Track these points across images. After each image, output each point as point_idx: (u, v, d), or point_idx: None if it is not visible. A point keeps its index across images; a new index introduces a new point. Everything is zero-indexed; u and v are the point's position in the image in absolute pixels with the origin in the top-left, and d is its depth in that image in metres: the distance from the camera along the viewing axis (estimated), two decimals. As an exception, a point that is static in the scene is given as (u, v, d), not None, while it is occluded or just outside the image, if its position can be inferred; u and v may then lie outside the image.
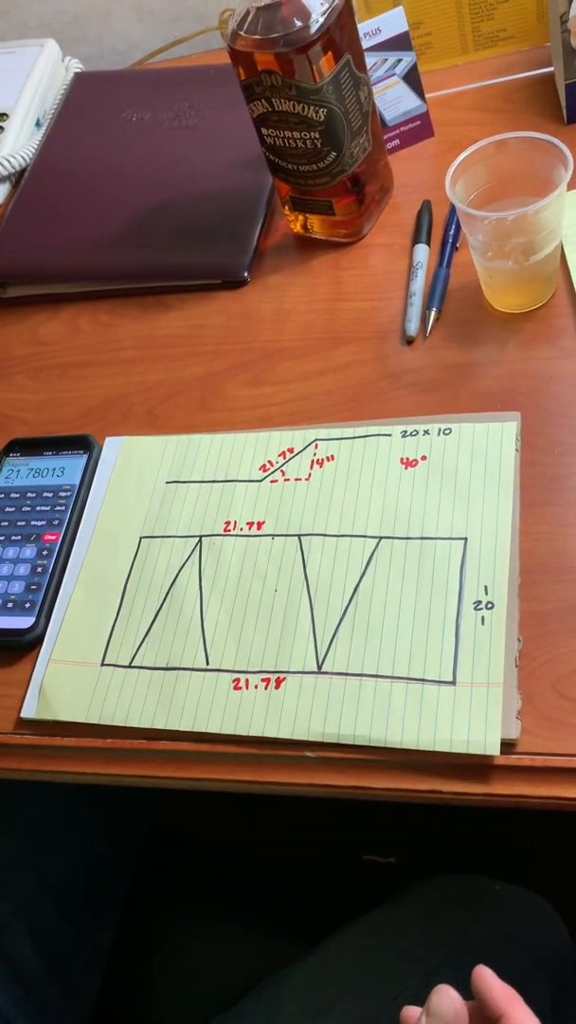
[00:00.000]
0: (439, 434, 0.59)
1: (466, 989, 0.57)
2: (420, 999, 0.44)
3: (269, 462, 0.62)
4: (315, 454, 0.62)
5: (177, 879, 0.77)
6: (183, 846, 0.82)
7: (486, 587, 0.53)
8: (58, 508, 0.64)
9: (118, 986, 0.71)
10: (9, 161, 0.89)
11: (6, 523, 0.65)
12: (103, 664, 0.57)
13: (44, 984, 0.65)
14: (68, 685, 0.56)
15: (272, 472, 0.62)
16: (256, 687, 0.53)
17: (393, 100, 0.76)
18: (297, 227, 0.75)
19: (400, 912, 0.63)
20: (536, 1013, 0.58)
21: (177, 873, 0.78)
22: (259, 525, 0.60)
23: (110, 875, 0.73)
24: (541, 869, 0.78)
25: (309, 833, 0.98)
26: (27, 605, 0.60)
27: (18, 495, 0.66)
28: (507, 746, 0.48)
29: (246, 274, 0.74)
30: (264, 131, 0.67)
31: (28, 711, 0.56)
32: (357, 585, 0.55)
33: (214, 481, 0.63)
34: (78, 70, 0.99)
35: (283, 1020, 0.58)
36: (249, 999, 0.61)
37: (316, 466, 0.61)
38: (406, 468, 0.59)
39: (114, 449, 0.67)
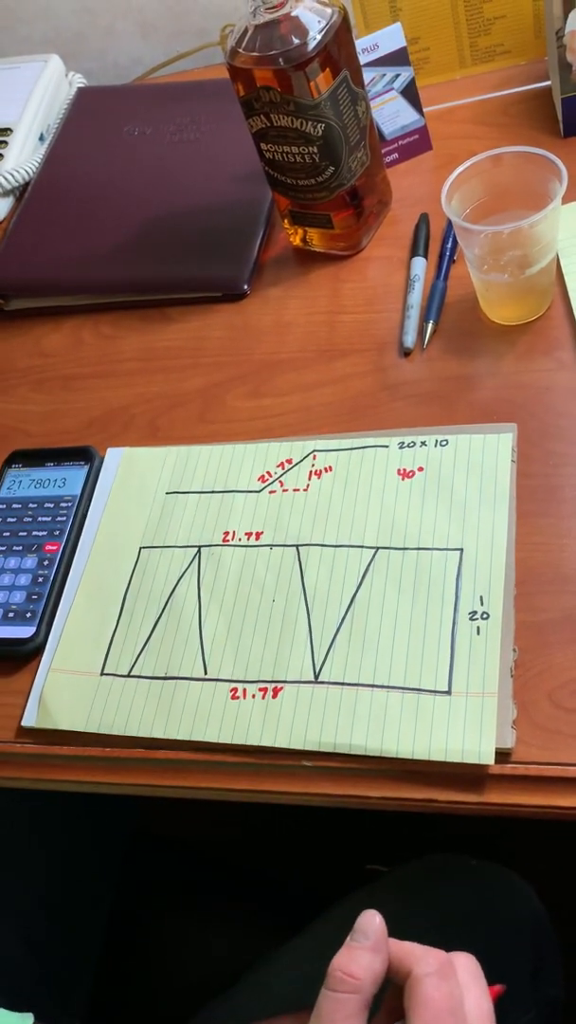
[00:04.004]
0: (436, 445, 0.60)
1: None
2: None
3: (268, 473, 0.63)
4: (313, 465, 0.62)
5: (165, 881, 0.78)
6: (171, 848, 0.83)
7: (482, 597, 0.53)
8: (59, 519, 0.65)
9: (110, 985, 0.72)
10: (13, 175, 0.90)
11: (8, 533, 0.65)
12: (103, 673, 0.57)
13: (38, 987, 0.66)
14: (68, 694, 0.57)
15: (271, 483, 0.62)
16: (254, 696, 0.54)
17: (391, 114, 0.76)
18: (296, 240, 0.76)
19: (381, 887, 0.64)
20: (515, 979, 0.58)
21: (165, 876, 0.79)
22: (258, 535, 0.60)
23: (96, 879, 0.74)
24: (515, 852, 0.79)
25: (302, 838, 0.98)
26: (28, 615, 0.61)
27: (20, 506, 0.66)
28: (502, 755, 0.48)
29: (246, 287, 0.75)
30: (263, 146, 0.68)
31: (29, 720, 0.57)
32: (354, 595, 0.55)
33: (213, 492, 0.63)
34: (81, 85, 1.00)
35: (273, 994, 0.59)
36: (239, 984, 0.62)
37: (314, 477, 0.62)
38: (403, 479, 0.59)
39: (115, 460, 0.67)
